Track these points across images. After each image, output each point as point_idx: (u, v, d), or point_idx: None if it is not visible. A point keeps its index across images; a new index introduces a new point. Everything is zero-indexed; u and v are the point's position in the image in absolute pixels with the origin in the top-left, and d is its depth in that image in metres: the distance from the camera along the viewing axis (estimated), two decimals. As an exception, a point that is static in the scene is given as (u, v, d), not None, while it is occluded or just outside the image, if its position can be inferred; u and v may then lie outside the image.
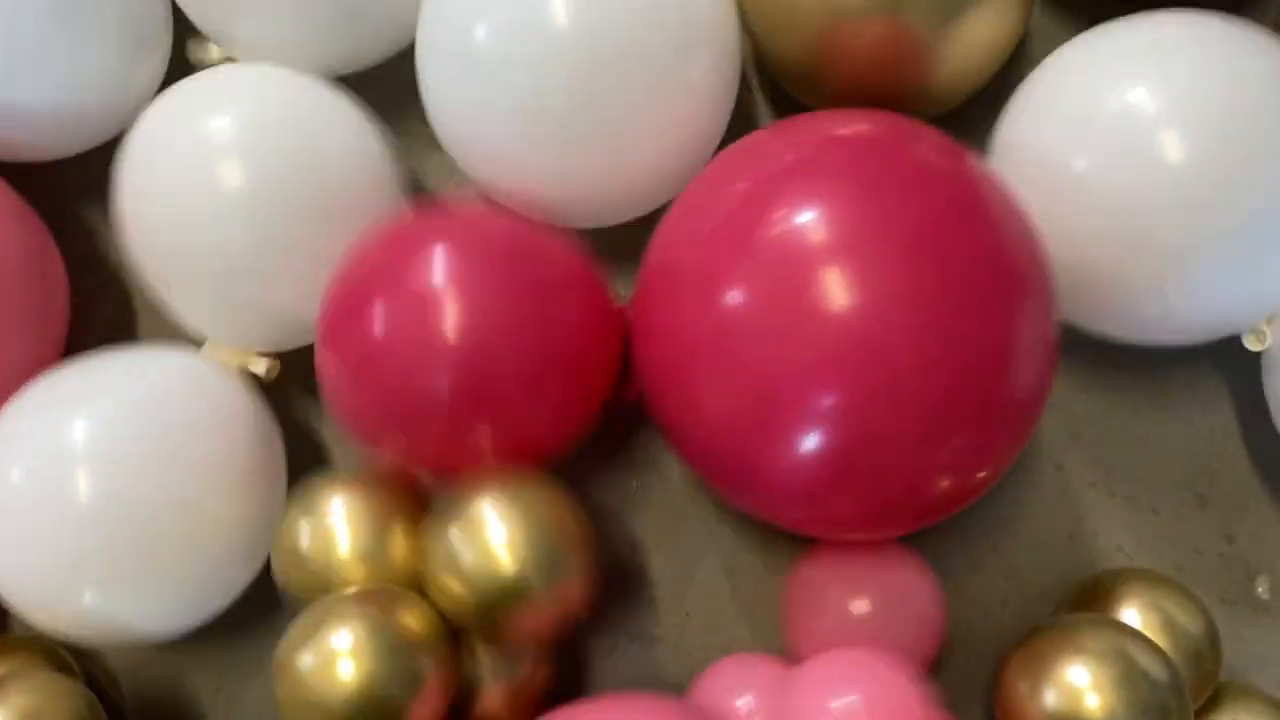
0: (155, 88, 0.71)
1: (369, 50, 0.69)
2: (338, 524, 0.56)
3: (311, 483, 0.59)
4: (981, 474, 0.53)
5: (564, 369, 0.57)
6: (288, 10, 0.64)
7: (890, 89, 0.62)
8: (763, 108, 0.74)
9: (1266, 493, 0.66)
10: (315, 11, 0.65)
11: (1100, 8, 0.64)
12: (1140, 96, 0.56)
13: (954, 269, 0.49)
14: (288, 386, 0.70)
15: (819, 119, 0.57)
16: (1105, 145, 0.56)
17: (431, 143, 0.66)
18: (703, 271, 0.53)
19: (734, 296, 0.51)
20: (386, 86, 0.70)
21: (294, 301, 0.62)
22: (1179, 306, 0.58)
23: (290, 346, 0.67)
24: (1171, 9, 0.60)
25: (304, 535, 0.56)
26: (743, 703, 0.56)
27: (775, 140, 0.57)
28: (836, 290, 0.49)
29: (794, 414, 0.50)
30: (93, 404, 0.59)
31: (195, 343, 0.66)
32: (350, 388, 0.57)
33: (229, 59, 0.70)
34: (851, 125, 0.56)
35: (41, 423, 0.59)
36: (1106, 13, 0.62)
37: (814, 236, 0.50)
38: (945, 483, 0.52)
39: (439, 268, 0.55)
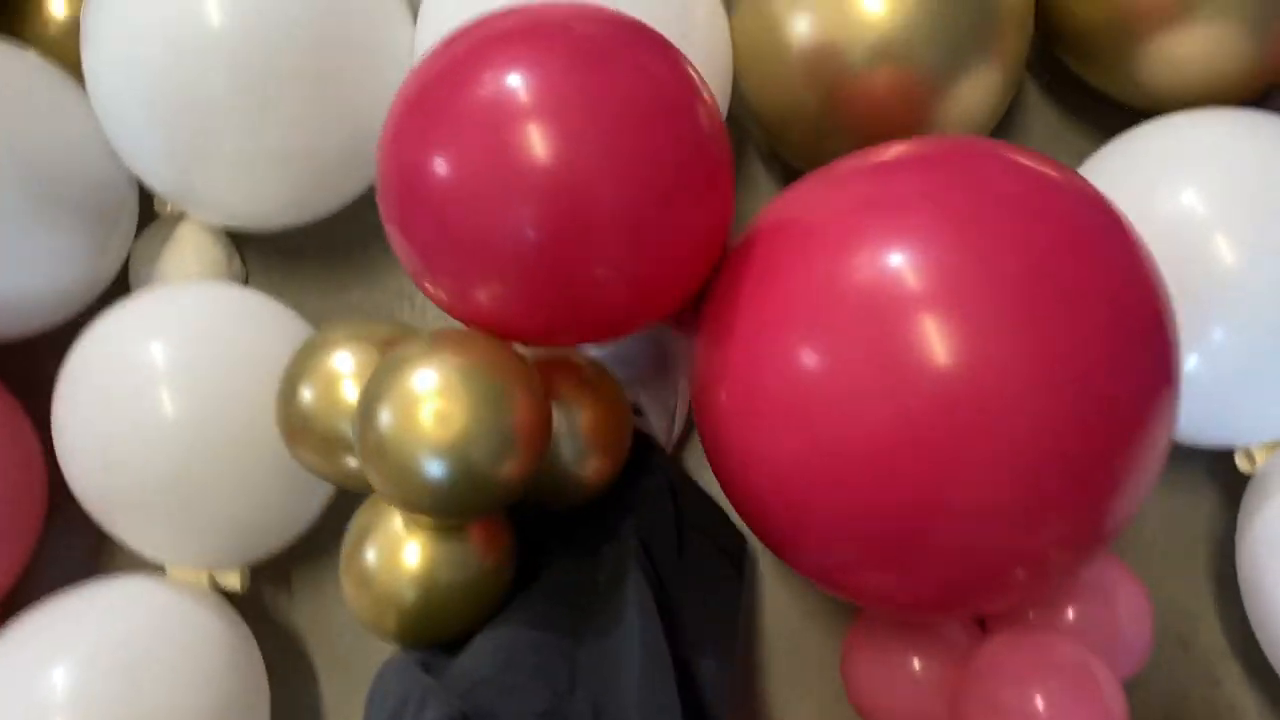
0: (123, 257, 0.72)
1: (326, 200, 0.70)
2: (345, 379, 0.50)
3: (313, 339, 0.53)
4: (1064, 560, 0.45)
5: (668, 216, 0.45)
6: (240, 175, 0.65)
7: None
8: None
9: (1250, 635, 0.66)
10: (265, 174, 0.65)
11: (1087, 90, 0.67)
12: (1190, 199, 0.56)
13: (1065, 320, 0.41)
14: (262, 590, 0.70)
15: (893, 147, 0.48)
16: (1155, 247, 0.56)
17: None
18: (773, 323, 0.46)
19: (811, 352, 0.44)
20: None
21: (249, 515, 0.61)
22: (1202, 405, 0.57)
23: (257, 555, 0.66)
24: (1205, 108, 0.62)
25: (307, 393, 0.50)
26: None
27: (842, 177, 0.49)
28: (927, 344, 0.40)
29: (875, 478, 0.42)
30: (63, 651, 0.58)
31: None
32: (419, 232, 0.46)
33: (182, 213, 0.71)
34: (933, 150, 0.48)
35: (14, 674, 0.58)
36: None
37: (902, 282, 0.41)
38: (1020, 574, 0.45)
39: (521, 81, 0.43)
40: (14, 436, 0.68)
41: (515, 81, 0.43)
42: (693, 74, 0.48)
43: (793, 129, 0.66)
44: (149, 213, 0.73)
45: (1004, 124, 0.69)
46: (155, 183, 0.67)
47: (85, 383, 0.62)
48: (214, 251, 0.73)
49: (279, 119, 0.63)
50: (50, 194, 0.65)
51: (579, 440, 0.52)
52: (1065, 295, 0.41)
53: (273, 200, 0.67)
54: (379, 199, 0.48)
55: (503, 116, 0.43)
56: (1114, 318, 0.42)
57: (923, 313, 0.41)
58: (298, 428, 0.51)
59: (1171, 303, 0.45)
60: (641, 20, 0.49)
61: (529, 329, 0.48)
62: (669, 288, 0.48)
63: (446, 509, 0.46)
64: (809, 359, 0.43)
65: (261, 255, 0.76)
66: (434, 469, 0.44)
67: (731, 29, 0.66)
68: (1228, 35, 0.61)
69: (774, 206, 0.51)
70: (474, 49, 0.46)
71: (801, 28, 0.62)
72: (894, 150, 0.48)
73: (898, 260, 0.42)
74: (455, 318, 0.49)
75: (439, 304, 0.49)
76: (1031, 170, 0.45)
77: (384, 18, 0.67)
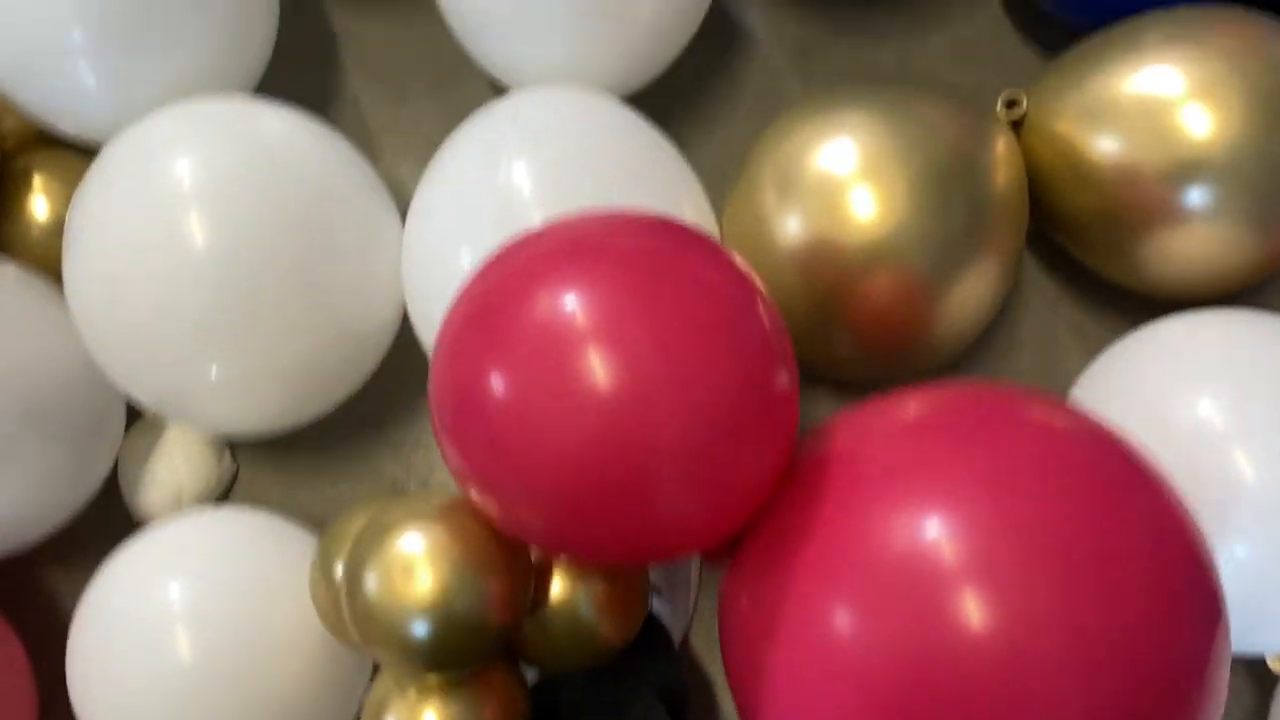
0: (112, 461, 0.71)
1: (316, 406, 0.68)
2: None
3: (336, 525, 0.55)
4: None
5: (738, 428, 0.43)
6: (227, 392, 0.63)
7: (895, 344, 0.63)
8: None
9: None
10: (253, 390, 0.64)
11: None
12: (1207, 409, 0.55)
13: (1103, 583, 0.39)
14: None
15: (903, 399, 0.48)
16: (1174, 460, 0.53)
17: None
18: (808, 571, 0.44)
19: (844, 612, 0.41)
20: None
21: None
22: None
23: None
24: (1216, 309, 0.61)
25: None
26: None
27: (883, 429, 0.47)
28: (961, 615, 0.38)
29: None
30: None
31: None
32: (473, 446, 0.45)
33: (162, 420, 0.71)
34: (971, 405, 0.46)
35: None
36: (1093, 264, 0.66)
37: (936, 551, 0.40)
38: None
39: (575, 303, 0.42)
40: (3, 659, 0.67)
41: (568, 304, 0.42)
42: (744, 270, 0.47)
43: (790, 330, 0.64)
44: (136, 409, 0.71)
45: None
46: (140, 398, 0.66)
47: (98, 639, 0.60)
48: (203, 450, 0.71)
49: (266, 334, 0.62)
50: (33, 411, 0.64)
51: (594, 603, 0.52)
52: (1101, 558, 0.39)
53: (261, 413, 0.66)
54: (431, 405, 0.47)
55: (557, 340, 0.42)
56: (1154, 571, 0.40)
57: (958, 584, 0.39)
58: (333, 603, 0.53)
59: (1206, 538, 0.44)
60: (674, 218, 0.48)
61: (577, 547, 0.48)
62: (734, 508, 0.46)
63: (433, 662, 0.48)
64: (841, 619, 0.42)
65: (251, 449, 0.75)
66: (418, 629, 0.46)
67: (721, 228, 0.66)
68: (1227, 232, 0.60)
69: (815, 443, 0.50)
70: (523, 270, 0.45)
71: (792, 227, 0.61)
72: (934, 402, 0.47)
73: (933, 528, 0.40)
74: (500, 529, 0.48)
75: (488, 515, 0.48)
76: (1060, 427, 0.44)
77: (371, 220, 0.66)
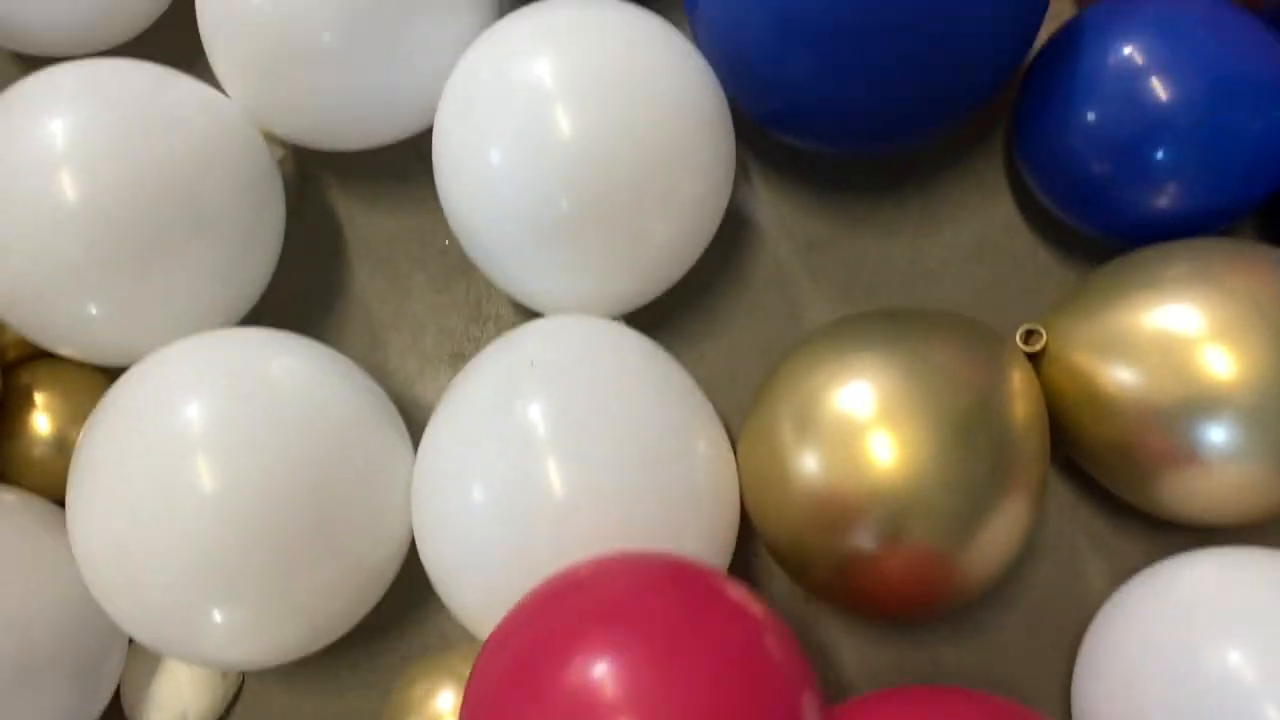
0: (114, 687, 0.70)
1: (324, 639, 0.67)
2: None
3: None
4: None
5: None
6: (234, 637, 0.62)
7: (919, 596, 0.61)
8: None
9: None
10: (261, 631, 0.62)
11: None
12: (1238, 661, 0.54)
13: None
14: None
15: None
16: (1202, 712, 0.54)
17: None
18: None
19: None
20: None
21: None
22: None
23: None
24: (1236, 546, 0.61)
25: None
26: None
27: None
28: None
29: None
30: None
31: None
32: None
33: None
34: None
35: None
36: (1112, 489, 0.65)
37: None
38: None
39: (605, 667, 0.45)
40: None
41: (597, 672, 0.45)
42: (756, 611, 0.51)
43: (811, 571, 0.63)
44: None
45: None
46: (143, 640, 0.65)
47: None
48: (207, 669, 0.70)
49: (274, 577, 0.60)
50: (34, 644, 0.63)
51: None
52: None
53: (267, 651, 0.64)
54: None
55: (589, 707, 0.44)
56: None
57: None
58: None
59: None
60: (676, 558, 0.53)
61: None
62: None
63: None
64: None
65: (256, 661, 0.73)
66: None
67: (738, 461, 0.65)
68: (1248, 472, 0.59)
69: None
70: (559, 631, 0.48)
71: (809, 467, 0.60)
72: None
73: None
74: None
75: None
76: None
77: (381, 451, 0.65)
